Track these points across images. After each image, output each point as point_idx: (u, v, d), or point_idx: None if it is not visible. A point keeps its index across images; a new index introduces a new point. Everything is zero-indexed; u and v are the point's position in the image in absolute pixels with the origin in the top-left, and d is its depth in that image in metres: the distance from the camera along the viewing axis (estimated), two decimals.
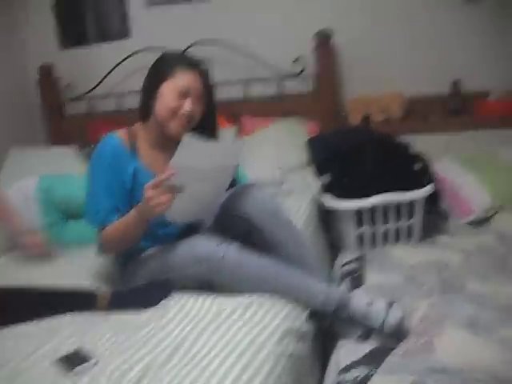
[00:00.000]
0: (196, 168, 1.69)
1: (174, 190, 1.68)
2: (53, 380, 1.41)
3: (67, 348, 1.54)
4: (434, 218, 2.55)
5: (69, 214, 2.62)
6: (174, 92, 1.85)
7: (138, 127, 1.99)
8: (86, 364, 1.44)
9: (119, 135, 1.94)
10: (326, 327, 1.86)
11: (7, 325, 1.75)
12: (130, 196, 1.89)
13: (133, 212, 1.78)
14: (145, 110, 1.94)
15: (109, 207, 1.86)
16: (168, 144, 1.88)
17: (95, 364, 1.45)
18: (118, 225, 1.84)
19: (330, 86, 3.37)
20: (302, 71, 3.42)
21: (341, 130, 3.03)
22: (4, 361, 1.52)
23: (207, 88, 1.93)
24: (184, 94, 1.85)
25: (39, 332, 1.69)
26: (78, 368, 1.43)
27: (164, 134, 1.91)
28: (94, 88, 3.78)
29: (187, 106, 1.85)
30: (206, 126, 1.94)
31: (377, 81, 3.39)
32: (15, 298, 1.83)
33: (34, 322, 1.76)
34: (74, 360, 1.47)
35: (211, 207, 1.92)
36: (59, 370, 1.45)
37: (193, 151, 1.66)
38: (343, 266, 2.35)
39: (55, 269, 2.19)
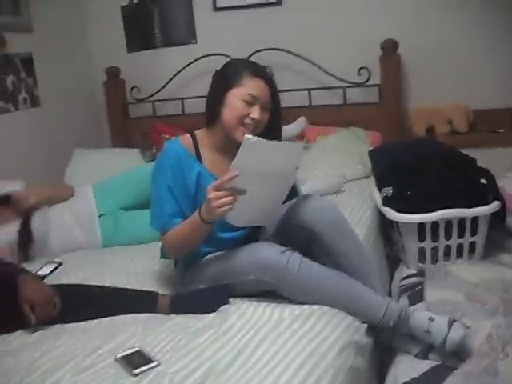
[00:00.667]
0: (258, 170, 1.69)
1: (236, 193, 1.69)
2: (115, 379, 1.43)
3: (129, 348, 1.57)
4: (499, 235, 2.48)
5: (124, 199, 2.71)
6: (241, 100, 1.86)
7: (202, 132, 2.01)
8: (147, 366, 1.47)
9: (182, 141, 1.97)
10: (385, 341, 1.84)
11: (71, 322, 1.80)
12: (194, 200, 1.91)
13: (196, 214, 1.80)
14: (211, 116, 1.96)
15: (172, 211, 1.89)
16: (231, 148, 1.89)
17: (156, 366, 1.47)
18: (181, 227, 1.86)
19: (394, 97, 3.34)
20: (366, 81, 3.40)
21: (404, 142, 2.99)
22: (69, 357, 1.57)
23: (273, 96, 1.94)
24: (251, 102, 1.86)
25: (101, 331, 1.74)
26: (140, 369, 1.45)
27: (228, 139, 1.92)
28: (158, 91, 3.86)
29: (254, 113, 1.86)
30: (270, 132, 1.92)
31: (441, 93, 3.33)
32: (79, 297, 1.88)
33: (96, 320, 1.81)
34: (135, 360, 1.50)
35: (272, 214, 1.92)
36: (121, 369, 1.48)
37: (254, 151, 1.68)
38: (402, 279, 2.31)
39: (117, 270, 2.23)
